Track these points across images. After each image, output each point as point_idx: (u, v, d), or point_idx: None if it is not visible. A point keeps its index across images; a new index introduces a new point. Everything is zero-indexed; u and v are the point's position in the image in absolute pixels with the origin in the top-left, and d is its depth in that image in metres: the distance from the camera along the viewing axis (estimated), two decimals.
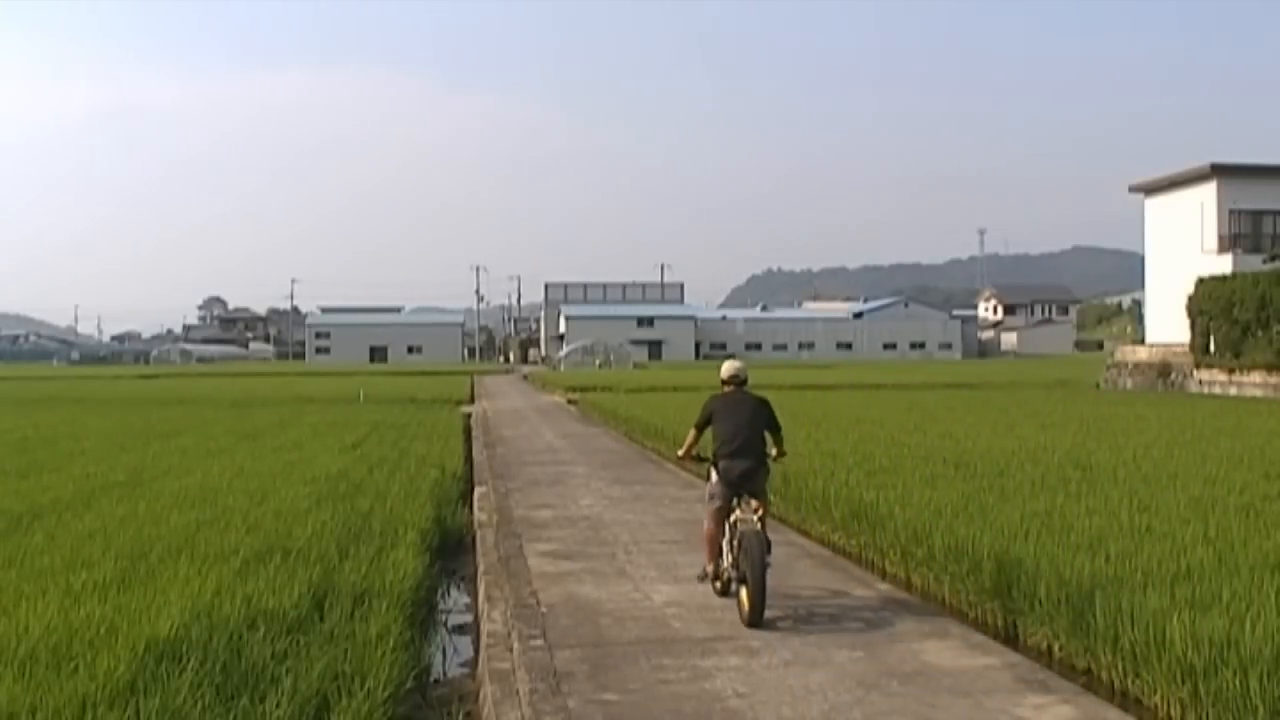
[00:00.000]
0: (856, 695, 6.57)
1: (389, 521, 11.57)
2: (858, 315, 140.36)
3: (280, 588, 8.20)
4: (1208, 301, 38.63)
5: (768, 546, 8.39)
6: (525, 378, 71.98)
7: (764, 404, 9.06)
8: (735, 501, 8.69)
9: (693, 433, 9.36)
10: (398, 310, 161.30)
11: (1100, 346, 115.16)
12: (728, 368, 9.46)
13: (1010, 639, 8.22)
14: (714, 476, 8.93)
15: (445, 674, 7.96)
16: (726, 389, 9.26)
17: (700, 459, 9.44)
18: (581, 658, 7.44)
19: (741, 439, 8.73)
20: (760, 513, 8.63)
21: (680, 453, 9.74)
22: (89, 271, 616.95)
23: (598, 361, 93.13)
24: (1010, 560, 8.51)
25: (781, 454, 9.34)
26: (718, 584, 9.01)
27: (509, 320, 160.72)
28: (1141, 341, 49.10)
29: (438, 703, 7.08)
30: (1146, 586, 7.52)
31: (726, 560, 8.77)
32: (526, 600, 9.14)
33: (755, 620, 8.18)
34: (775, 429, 9.13)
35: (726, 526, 8.74)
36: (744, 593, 8.33)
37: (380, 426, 25.70)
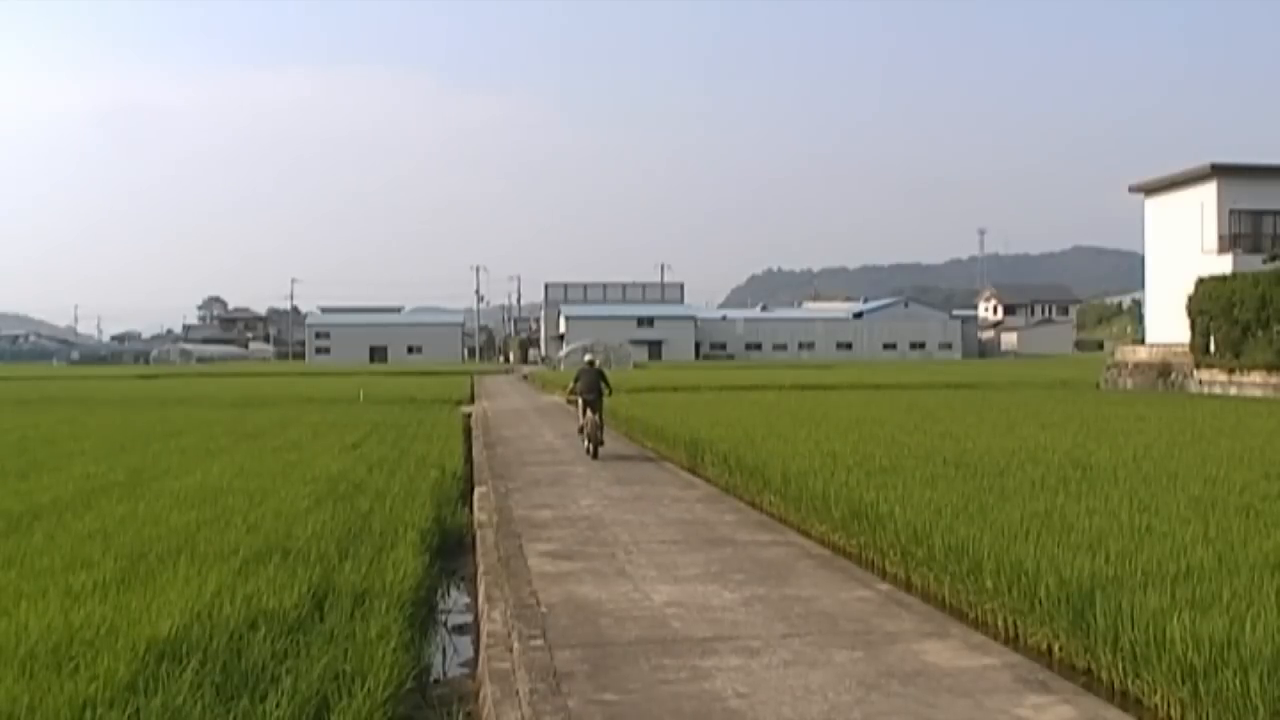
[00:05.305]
0: (857, 695, 6.57)
1: (389, 521, 11.57)
2: (858, 315, 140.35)
3: (280, 588, 8.20)
4: (1208, 301, 38.63)
5: (601, 430, 20.72)
6: (525, 378, 72.04)
7: (600, 373, 21.23)
8: (588, 413, 20.57)
9: (571, 384, 21.71)
10: (398, 310, 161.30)
11: (1100, 346, 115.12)
12: (587, 357, 22.34)
13: (1011, 639, 8.23)
14: (580, 403, 20.97)
15: (445, 674, 7.97)
16: (586, 366, 21.42)
17: (575, 394, 21.34)
18: (581, 658, 7.44)
19: (589, 389, 20.85)
20: (598, 416, 20.59)
21: (566, 394, 22.95)
22: (89, 271, 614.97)
23: (597, 362, 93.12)
24: (1010, 560, 8.51)
25: (610, 393, 21.31)
26: (585, 443, 20.75)
27: (509, 320, 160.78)
28: (1141, 341, 49.07)
29: (438, 703, 7.09)
30: (1146, 586, 7.52)
31: (586, 436, 20.64)
32: (526, 600, 9.14)
33: (594, 456, 20.18)
34: (605, 383, 21.12)
35: (586, 422, 20.61)
36: (592, 448, 20.37)
37: (380, 426, 25.71)
